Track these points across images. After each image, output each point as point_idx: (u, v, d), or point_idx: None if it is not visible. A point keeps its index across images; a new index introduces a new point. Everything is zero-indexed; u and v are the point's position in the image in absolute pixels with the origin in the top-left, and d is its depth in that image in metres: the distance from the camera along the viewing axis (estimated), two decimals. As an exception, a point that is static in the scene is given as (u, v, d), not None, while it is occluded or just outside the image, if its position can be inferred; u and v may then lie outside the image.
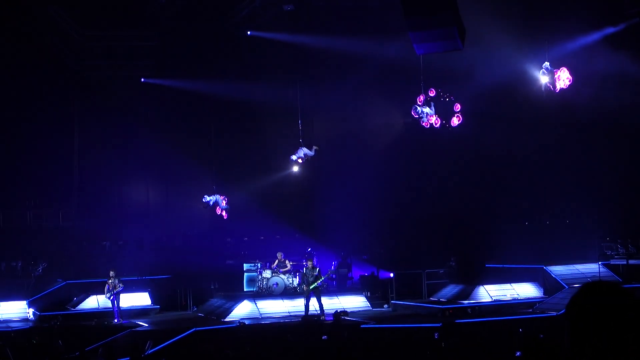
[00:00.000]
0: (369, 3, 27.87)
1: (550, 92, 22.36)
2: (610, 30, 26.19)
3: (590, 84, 24.68)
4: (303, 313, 24.32)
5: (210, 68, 31.53)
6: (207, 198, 30.97)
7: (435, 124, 23.21)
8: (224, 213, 30.96)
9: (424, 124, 23.10)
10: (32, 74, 30.75)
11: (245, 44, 30.70)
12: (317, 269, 24.79)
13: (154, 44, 32.12)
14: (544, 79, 22.69)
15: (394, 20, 24.58)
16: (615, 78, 25.85)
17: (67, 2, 30.32)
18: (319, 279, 24.28)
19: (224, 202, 30.87)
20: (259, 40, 30.08)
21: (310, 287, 24.12)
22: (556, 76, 22.10)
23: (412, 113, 23.33)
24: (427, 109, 23.15)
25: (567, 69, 21.95)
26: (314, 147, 28.60)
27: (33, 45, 30.84)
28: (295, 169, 29.72)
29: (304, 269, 25.11)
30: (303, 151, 28.34)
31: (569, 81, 21.95)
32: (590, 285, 2.98)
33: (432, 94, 23.33)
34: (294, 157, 28.49)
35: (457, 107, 23.29)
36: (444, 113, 23.65)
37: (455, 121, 23.15)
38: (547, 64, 22.62)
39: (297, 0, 27.25)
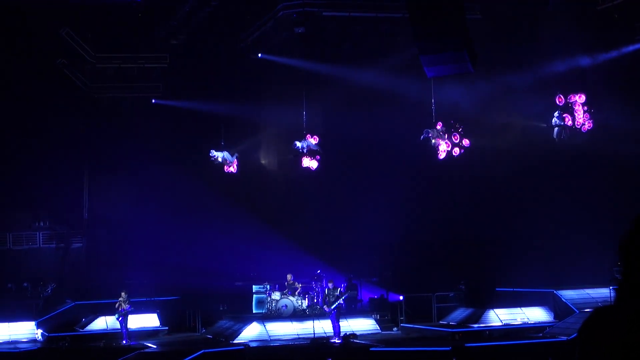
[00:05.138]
0: (380, 27, 27.94)
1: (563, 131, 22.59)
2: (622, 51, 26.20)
3: (603, 115, 24.69)
4: (312, 335, 24.29)
5: (221, 90, 31.57)
6: (215, 153, 30.04)
7: (447, 146, 23.54)
8: (233, 168, 30.32)
9: (438, 151, 23.38)
10: (44, 95, 30.87)
11: (256, 66, 30.72)
12: (339, 289, 24.86)
13: (165, 65, 32.26)
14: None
15: (405, 43, 24.70)
16: (628, 108, 25.75)
17: (79, 24, 30.52)
18: (339, 299, 24.25)
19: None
20: (270, 63, 30.10)
21: (332, 307, 24.10)
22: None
23: (424, 136, 23.49)
24: (439, 134, 23.36)
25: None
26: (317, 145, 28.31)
27: (44, 66, 31.01)
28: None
29: (326, 289, 25.13)
30: (307, 142, 28.10)
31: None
32: (601, 310, 2.96)
33: (439, 126, 24.18)
34: (298, 144, 28.01)
35: (457, 138, 24.10)
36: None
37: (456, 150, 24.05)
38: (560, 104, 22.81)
39: (308, 23, 27.33)
